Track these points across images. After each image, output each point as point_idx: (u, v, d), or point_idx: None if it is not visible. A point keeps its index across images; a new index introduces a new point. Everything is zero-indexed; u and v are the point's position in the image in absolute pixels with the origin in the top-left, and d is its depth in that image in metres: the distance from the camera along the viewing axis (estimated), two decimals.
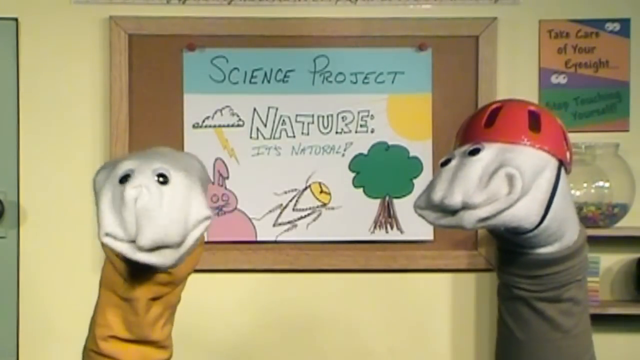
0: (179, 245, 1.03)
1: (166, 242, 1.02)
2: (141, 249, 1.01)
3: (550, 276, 1.14)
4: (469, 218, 1.05)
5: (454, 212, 1.07)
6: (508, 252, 1.16)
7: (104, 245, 1.03)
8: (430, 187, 1.10)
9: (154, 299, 1.10)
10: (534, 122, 1.12)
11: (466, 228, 1.07)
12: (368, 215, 2.79)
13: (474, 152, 1.08)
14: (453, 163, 1.09)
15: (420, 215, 1.12)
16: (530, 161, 1.08)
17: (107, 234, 1.01)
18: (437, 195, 1.07)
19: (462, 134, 1.16)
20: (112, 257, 1.09)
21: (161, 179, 1.02)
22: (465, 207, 1.05)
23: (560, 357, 1.17)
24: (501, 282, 1.21)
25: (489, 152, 1.07)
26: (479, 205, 1.04)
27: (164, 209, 1.01)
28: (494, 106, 1.15)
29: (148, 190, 1.00)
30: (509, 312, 1.19)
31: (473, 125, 1.14)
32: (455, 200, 1.05)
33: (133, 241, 1.01)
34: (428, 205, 1.10)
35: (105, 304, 1.12)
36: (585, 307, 1.19)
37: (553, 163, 1.11)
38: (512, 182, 1.04)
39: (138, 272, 1.08)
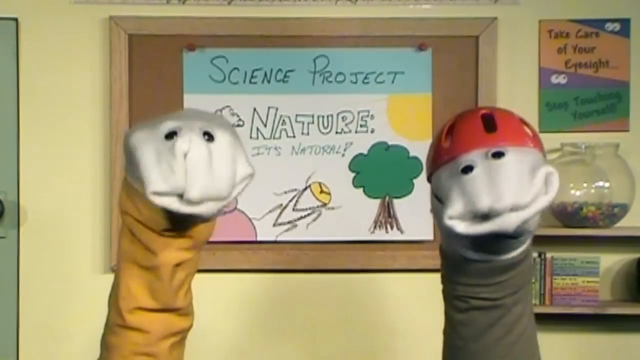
0: (224, 199, 1.06)
1: (215, 197, 1.04)
2: (189, 201, 1.02)
3: (510, 281, 1.16)
4: (515, 220, 1.05)
5: (486, 217, 1.05)
6: (469, 262, 1.16)
7: (151, 201, 1.03)
8: (464, 195, 1.08)
9: (178, 264, 1.12)
10: (526, 126, 1.17)
11: (508, 231, 1.06)
12: (368, 215, 2.79)
13: (498, 155, 1.08)
14: (478, 170, 1.08)
15: (450, 225, 1.09)
16: (538, 161, 1.11)
17: (154, 193, 1.02)
18: (484, 202, 1.05)
19: (458, 143, 1.15)
20: (132, 225, 1.10)
21: (207, 137, 1.05)
22: (514, 208, 1.04)
23: None
24: (454, 294, 1.21)
25: (514, 154, 1.08)
26: (527, 205, 1.04)
27: (213, 164, 1.04)
28: (482, 112, 1.17)
29: (197, 146, 1.03)
30: (464, 324, 1.20)
31: (471, 133, 1.15)
32: (507, 202, 1.04)
33: (180, 195, 1.02)
34: (466, 214, 1.07)
35: (127, 276, 1.13)
36: (531, 308, 1.21)
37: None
38: (550, 181, 1.06)
39: (162, 239, 1.10)
